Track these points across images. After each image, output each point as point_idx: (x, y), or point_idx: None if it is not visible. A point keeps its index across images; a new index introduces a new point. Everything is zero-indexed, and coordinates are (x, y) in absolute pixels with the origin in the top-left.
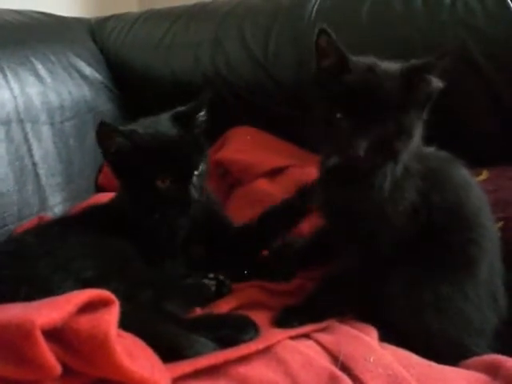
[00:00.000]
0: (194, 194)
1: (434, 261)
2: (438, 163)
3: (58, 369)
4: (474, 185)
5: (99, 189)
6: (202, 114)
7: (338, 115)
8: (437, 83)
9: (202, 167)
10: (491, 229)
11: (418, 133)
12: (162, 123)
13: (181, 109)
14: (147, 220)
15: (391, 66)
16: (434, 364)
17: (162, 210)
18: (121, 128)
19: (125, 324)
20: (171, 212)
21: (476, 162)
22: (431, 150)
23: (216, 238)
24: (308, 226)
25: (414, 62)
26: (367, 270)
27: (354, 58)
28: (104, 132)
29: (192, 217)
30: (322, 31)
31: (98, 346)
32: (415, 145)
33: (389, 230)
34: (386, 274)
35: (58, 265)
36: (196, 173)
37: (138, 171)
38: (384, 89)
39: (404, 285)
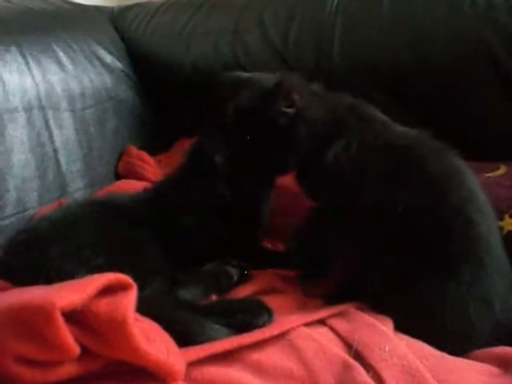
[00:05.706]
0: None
1: (413, 260)
2: (419, 154)
3: (76, 350)
4: (461, 176)
5: (118, 176)
6: None
7: None
8: None
9: None
10: (483, 223)
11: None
12: None
13: None
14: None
15: None
16: (446, 355)
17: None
18: None
19: (139, 309)
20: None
21: (494, 157)
22: (423, 139)
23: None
24: None
25: None
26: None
27: None
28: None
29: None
30: None
31: (117, 328)
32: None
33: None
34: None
35: (70, 253)
36: None
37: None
38: None
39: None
